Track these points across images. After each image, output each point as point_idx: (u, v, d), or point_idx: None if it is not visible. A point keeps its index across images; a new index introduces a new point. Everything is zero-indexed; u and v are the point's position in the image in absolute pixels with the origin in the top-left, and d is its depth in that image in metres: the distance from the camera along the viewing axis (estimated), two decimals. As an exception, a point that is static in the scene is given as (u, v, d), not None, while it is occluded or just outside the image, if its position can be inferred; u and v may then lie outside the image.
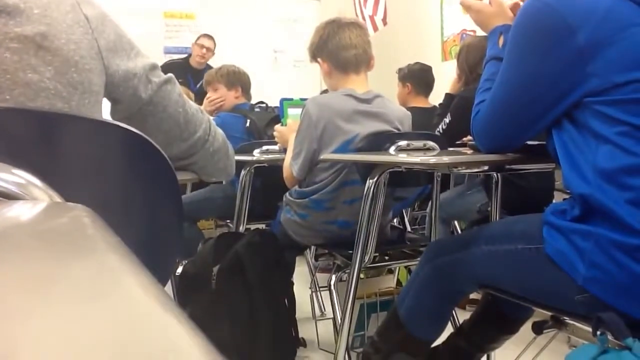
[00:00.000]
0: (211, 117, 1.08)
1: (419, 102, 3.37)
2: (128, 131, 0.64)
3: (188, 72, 4.73)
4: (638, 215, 1.01)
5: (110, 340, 0.14)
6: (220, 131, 1.08)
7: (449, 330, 1.72)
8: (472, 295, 2.56)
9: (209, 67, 4.83)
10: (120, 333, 0.15)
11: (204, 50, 4.79)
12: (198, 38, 4.87)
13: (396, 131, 1.91)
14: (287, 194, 2.05)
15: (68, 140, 0.62)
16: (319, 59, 1.97)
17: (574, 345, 2.11)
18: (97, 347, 0.14)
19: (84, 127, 0.65)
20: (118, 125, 0.65)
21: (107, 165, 0.64)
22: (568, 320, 1.21)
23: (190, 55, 4.92)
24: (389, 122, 1.90)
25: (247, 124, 2.81)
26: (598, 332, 1.01)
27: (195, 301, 1.96)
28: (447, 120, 2.61)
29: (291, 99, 2.41)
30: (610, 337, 1.00)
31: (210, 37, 4.88)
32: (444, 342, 1.88)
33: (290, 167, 1.91)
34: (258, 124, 2.79)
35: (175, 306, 0.17)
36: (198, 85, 4.66)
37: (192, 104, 1.00)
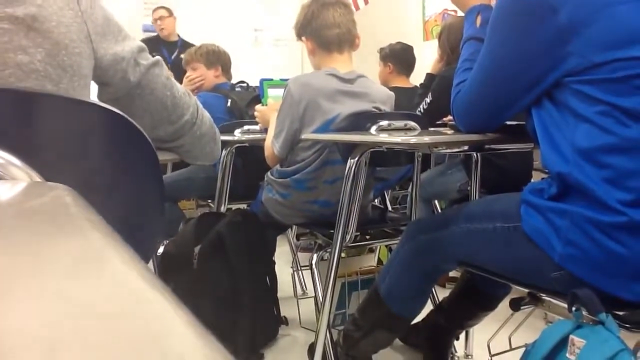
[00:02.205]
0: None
1: (400, 82, 3.37)
2: (108, 111, 0.64)
3: (162, 45, 4.70)
4: (614, 193, 1.03)
5: (97, 316, 0.15)
6: (207, 115, 1.08)
7: (428, 307, 1.75)
8: (452, 273, 2.60)
9: (182, 40, 4.79)
10: (106, 309, 0.15)
11: (159, 22, 4.76)
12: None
13: (377, 111, 1.91)
14: (269, 173, 2.05)
15: (47, 119, 0.62)
16: (303, 38, 1.96)
17: (550, 321, 2.16)
18: (84, 324, 0.14)
19: (63, 107, 0.64)
20: (98, 105, 0.65)
21: (88, 145, 0.64)
22: (545, 297, 1.24)
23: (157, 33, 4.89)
24: (371, 103, 1.90)
25: (228, 104, 2.79)
26: (573, 308, 1.03)
27: (177, 280, 1.96)
28: (428, 100, 2.61)
29: (271, 79, 2.40)
30: (585, 312, 1.03)
31: (160, 7, 4.85)
32: (423, 319, 1.92)
33: (272, 145, 1.91)
34: (239, 103, 2.77)
35: (160, 282, 0.18)
36: (173, 57, 4.63)
37: (180, 87, 1.00)
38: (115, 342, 0.13)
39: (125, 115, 0.64)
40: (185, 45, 4.58)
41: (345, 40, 1.93)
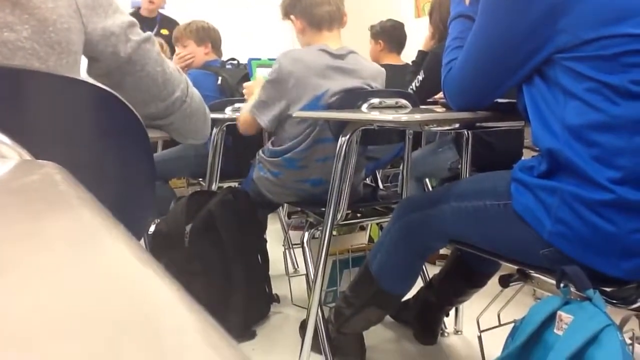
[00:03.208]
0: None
1: (391, 59, 3.36)
2: (98, 88, 0.63)
3: (140, 21, 4.61)
4: (602, 172, 1.04)
5: (90, 293, 0.15)
6: (197, 93, 1.07)
7: (419, 284, 1.76)
8: (442, 251, 2.62)
9: (162, 15, 4.68)
10: (99, 287, 0.15)
11: None
12: None
13: (368, 88, 1.91)
14: (260, 152, 2.05)
15: (36, 97, 0.61)
16: (292, 16, 1.95)
17: (538, 297, 2.19)
18: (77, 301, 0.14)
19: (52, 84, 0.63)
20: (87, 83, 0.64)
21: (77, 122, 0.63)
22: (533, 274, 1.25)
23: (139, 7, 4.76)
24: (361, 79, 1.90)
25: (219, 82, 2.77)
26: (561, 285, 1.05)
27: (169, 259, 1.97)
28: (420, 77, 2.61)
29: (259, 59, 2.38)
30: (572, 289, 1.04)
31: None
32: (414, 296, 1.94)
33: (252, 114, 1.91)
34: (230, 81, 2.75)
35: (153, 260, 0.18)
36: (153, 33, 4.55)
37: (170, 64, 0.99)
38: (108, 319, 0.13)
39: (115, 93, 0.64)
40: (164, 20, 4.47)
41: (336, 18, 1.93)
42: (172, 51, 3.03)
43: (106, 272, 0.16)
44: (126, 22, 0.89)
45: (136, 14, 4.67)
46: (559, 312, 1.02)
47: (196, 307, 0.14)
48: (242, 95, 2.40)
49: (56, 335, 0.12)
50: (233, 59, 2.97)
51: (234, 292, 1.98)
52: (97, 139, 0.65)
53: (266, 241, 2.22)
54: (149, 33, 0.95)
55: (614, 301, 1.09)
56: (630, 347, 1.15)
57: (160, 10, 4.72)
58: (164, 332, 0.13)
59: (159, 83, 0.95)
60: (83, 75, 0.84)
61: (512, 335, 1.10)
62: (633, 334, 1.22)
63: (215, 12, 5.02)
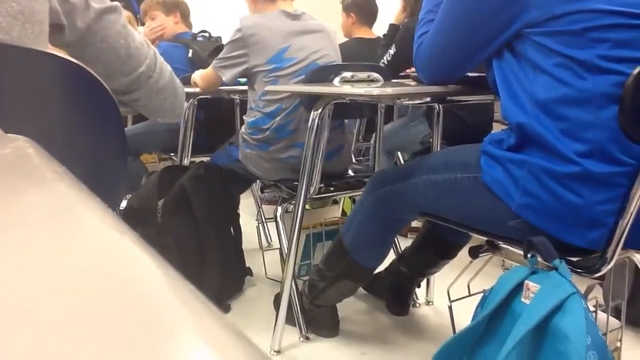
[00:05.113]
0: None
1: (363, 33, 3.34)
2: (68, 62, 0.62)
3: None
4: (570, 145, 1.06)
5: (71, 265, 0.15)
6: (168, 68, 1.03)
7: (391, 257, 1.79)
8: (414, 224, 2.66)
9: None
10: (79, 258, 0.16)
11: None
12: None
13: (333, 58, 1.94)
14: (242, 129, 2.04)
15: (2, 71, 0.60)
16: None
17: (507, 268, 2.24)
18: (58, 274, 0.15)
19: (19, 57, 0.62)
20: (56, 56, 0.63)
21: (46, 97, 0.62)
22: (502, 245, 1.28)
23: None
24: (315, 33, 1.98)
25: (190, 54, 2.73)
26: (529, 255, 1.07)
27: (141, 234, 1.94)
28: (391, 51, 2.61)
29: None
30: (539, 259, 1.07)
31: None
32: (386, 268, 1.97)
33: (215, 69, 1.97)
34: (201, 54, 2.71)
35: (131, 231, 0.18)
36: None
37: (137, 36, 0.95)
38: (91, 290, 0.14)
39: (85, 66, 0.62)
40: None
41: None
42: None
43: (84, 246, 0.16)
44: None
45: None
46: (526, 282, 1.05)
47: (174, 273, 0.15)
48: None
49: (39, 307, 0.13)
50: (204, 31, 2.92)
51: (207, 267, 1.98)
52: (66, 113, 0.64)
53: (239, 215, 2.22)
54: (114, 3, 0.91)
55: (579, 270, 1.13)
56: (594, 314, 1.19)
57: None
58: (145, 299, 0.13)
59: (121, 56, 0.91)
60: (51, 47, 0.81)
61: (481, 304, 1.13)
62: (597, 301, 1.26)
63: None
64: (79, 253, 0.15)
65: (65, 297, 0.13)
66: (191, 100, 2.27)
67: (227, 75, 1.94)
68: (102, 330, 0.11)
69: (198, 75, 2.10)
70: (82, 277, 0.14)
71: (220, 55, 1.96)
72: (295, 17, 1.96)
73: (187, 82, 2.30)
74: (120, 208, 2.05)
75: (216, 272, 1.99)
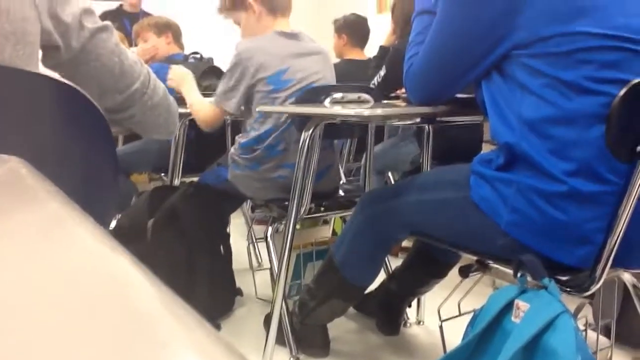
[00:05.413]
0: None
1: (354, 54, 3.37)
2: (59, 83, 0.62)
3: (123, 16, 4.55)
4: (557, 164, 1.08)
5: (64, 278, 0.15)
6: (161, 85, 1.04)
7: (382, 276, 1.79)
8: (404, 243, 2.66)
9: (144, 11, 4.64)
10: (73, 273, 0.16)
11: None
12: None
13: (329, 81, 1.94)
14: (233, 150, 2.04)
15: (-5, 91, 0.60)
16: (250, 1, 1.96)
17: (497, 287, 2.24)
18: (54, 285, 0.15)
19: (11, 78, 0.62)
20: (47, 77, 0.63)
21: (38, 118, 0.62)
22: (492, 264, 1.28)
23: (121, 4, 4.70)
24: (315, 54, 1.99)
25: (181, 75, 2.73)
26: (518, 274, 1.08)
27: (132, 253, 1.94)
28: (382, 72, 2.63)
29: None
30: (529, 278, 1.08)
31: None
32: (377, 288, 1.96)
33: (218, 103, 1.93)
34: (193, 74, 2.72)
35: (122, 247, 0.18)
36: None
37: (130, 54, 0.96)
38: (84, 303, 0.14)
39: (77, 87, 0.63)
40: (146, 16, 4.45)
41: (289, 4, 2.02)
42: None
43: (78, 259, 0.17)
44: (80, 9, 0.86)
45: (119, 9, 4.61)
46: (516, 301, 1.05)
47: (165, 288, 0.15)
48: (205, 89, 2.38)
49: (34, 318, 0.13)
50: (196, 53, 2.94)
51: (197, 286, 1.97)
52: (58, 134, 0.64)
53: (229, 235, 2.21)
54: (106, 22, 0.92)
55: (569, 289, 1.13)
56: (584, 333, 1.20)
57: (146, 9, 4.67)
58: (137, 311, 0.13)
59: (115, 74, 0.92)
60: (43, 69, 0.82)
61: (471, 324, 1.13)
62: (587, 320, 1.27)
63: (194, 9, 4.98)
64: (72, 267, 0.16)
65: (59, 309, 0.13)
66: (182, 120, 2.28)
67: (230, 106, 1.90)
68: (96, 342, 0.12)
69: (200, 116, 2.02)
70: (76, 290, 0.14)
71: (220, 89, 1.92)
72: (292, 36, 1.96)
73: (179, 102, 2.30)
74: (110, 228, 2.04)
75: (206, 290, 1.98)
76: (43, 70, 0.80)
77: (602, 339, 1.25)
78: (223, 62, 2.32)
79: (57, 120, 0.64)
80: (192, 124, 2.32)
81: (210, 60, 2.87)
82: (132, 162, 2.78)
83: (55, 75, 0.75)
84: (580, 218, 1.08)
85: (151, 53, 2.87)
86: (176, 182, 2.37)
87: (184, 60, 2.84)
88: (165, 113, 1.04)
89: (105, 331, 0.12)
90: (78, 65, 0.87)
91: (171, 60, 2.83)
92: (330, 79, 2.04)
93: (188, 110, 2.18)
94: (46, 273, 0.15)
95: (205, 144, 2.55)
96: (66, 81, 0.63)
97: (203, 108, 2.00)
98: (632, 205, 1.05)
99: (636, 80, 1.03)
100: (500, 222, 1.15)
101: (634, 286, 1.30)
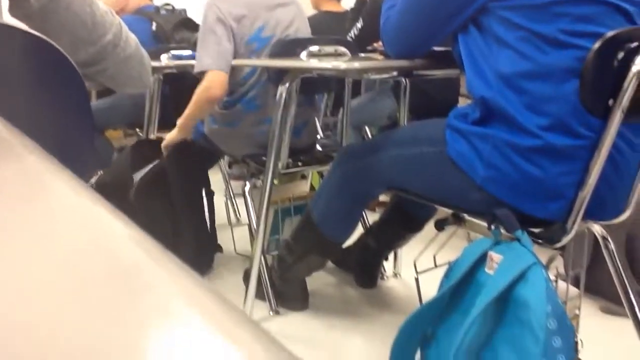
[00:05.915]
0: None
1: (331, 6, 3.31)
2: (29, 34, 0.60)
3: None
4: (532, 118, 1.09)
5: (49, 231, 0.15)
6: (133, 36, 1.00)
7: (359, 231, 1.81)
8: (381, 198, 2.68)
9: None
10: (56, 225, 0.16)
11: None
12: None
13: (304, 32, 1.93)
14: None
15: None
16: None
17: (472, 240, 2.28)
18: (37, 239, 0.15)
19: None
20: (17, 28, 0.61)
21: (9, 72, 0.61)
22: (467, 217, 1.30)
23: None
24: (287, 5, 1.94)
25: (154, 28, 2.67)
26: (492, 227, 1.10)
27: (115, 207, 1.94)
28: (359, 25, 2.60)
29: None
30: (503, 230, 1.10)
31: None
32: (354, 242, 1.99)
33: (219, 67, 1.79)
34: (165, 27, 2.66)
35: (104, 200, 0.18)
36: None
37: (101, 4, 0.93)
38: (68, 254, 0.14)
39: (50, 41, 0.61)
40: None
41: None
42: None
43: (60, 212, 0.17)
44: None
45: None
46: (489, 253, 1.07)
47: (151, 239, 0.15)
48: (179, 42, 2.33)
49: (21, 271, 0.13)
50: (167, 4, 2.86)
51: (182, 245, 1.98)
52: (31, 89, 0.63)
53: (213, 193, 2.21)
54: None
55: (541, 241, 1.16)
56: (555, 283, 1.23)
57: None
58: (121, 259, 0.14)
59: (87, 24, 0.88)
60: (6, 16, 0.79)
61: (446, 276, 1.16)
62: (557, 271, 1.30)
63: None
64: (52, 219, 0.16)
65: (41, 262, 0.13)
66: (156, 75, 2.23)
67: (224, 68, 1.79)
68: (83, 288, 0.12)
69: (211, 93, 1.82)
70: (59, 242, 0.14)
71: (204, 50, 1.80)
72: None
73: (152, 56, 2.25)
74: (92, 183, 2.02)
75: (191, 250, 1.99)
76: (8, 20, 0.77)
77: (572, 289, 1.29)
78: (197, 14, 2.26)
79: (28, 73, 0.63)
80: (167, 78, 2.28)
81: (183, 11, 2.80)
82: (106, 119, 2.72)
83: (23, 26, 0.72)
84: (555, 172, 1.09)
85: (121, 4, 2.78)
86: (152, 137, 2.34)
87: (155, 12, 2.76)
88: (139, 66, 1.01)
89: (88, 279, 0.13)
90: (48, 14, 0.83)
91: (142, 12, 2.75)
92: (305, 30, 2.01)
93: (162, 64, 2.14)
94: (26, 226, 0.15)
95: (180, 98, 2.51)
96: (36, 33, 0.61)
97: (205, 86, 1.84)
98: (604, 160, 1.07)
99: (610, 34, 1.04)
100: (475, 178, 1.16)
101: (604, 238, 1.33)
